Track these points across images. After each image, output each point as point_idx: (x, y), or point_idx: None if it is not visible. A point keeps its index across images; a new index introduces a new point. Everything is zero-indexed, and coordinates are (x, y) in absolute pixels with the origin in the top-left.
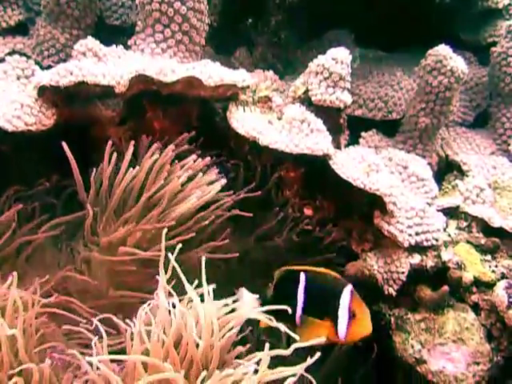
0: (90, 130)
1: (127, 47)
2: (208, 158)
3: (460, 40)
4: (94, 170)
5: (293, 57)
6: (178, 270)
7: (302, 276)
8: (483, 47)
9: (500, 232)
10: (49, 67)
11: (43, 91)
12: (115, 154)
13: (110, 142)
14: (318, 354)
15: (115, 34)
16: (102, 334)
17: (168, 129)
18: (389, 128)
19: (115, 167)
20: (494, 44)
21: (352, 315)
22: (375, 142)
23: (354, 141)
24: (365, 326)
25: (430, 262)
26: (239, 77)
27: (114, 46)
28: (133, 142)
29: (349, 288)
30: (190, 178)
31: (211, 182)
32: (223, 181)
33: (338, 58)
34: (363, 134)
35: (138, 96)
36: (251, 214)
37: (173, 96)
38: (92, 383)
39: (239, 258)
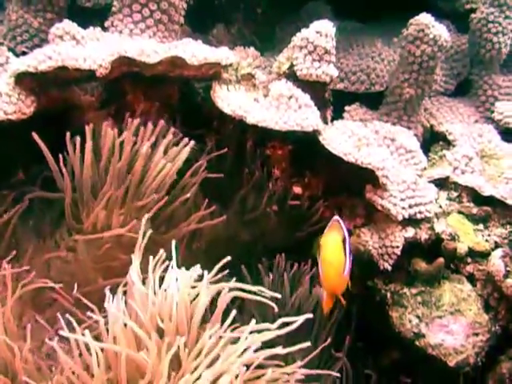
0: (70, 116)
1: (104, 29)
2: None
3: (436, 7)
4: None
5: (271, 32)
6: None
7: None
8: (461, 14)
9: (491, 200)
10: (23, 54)
11: (21, 78)
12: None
13: (89, 126)
14: (307, 315)
15: (88, 16)
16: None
17: (150, 111)
18: (372, 101)
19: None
20: (473, 11)
21: None
22: (360, 116)
23: (337, 115)
24: None
25: (423, 235)
26: (223, 55)
27: (92, 28)
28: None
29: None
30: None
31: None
32: (192, 143)
33: (322, 31)
34: (347, 107)
35: (117, 79)
36: (221, 175)
37: (153, 77)
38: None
39: (227, 238)
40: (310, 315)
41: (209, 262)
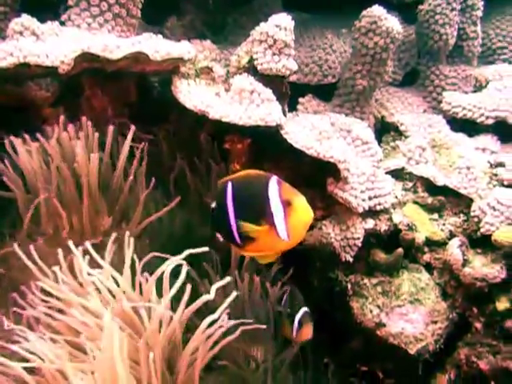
0: (26, 112)
1: (60, 23)
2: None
3: None
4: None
5: (222, 23)
6: None
7: (228, 185)
8: (407, 5)
9: (444, 190)
10: None
11: None
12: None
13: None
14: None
15: (39, 9)
16: None
17: (108, 106)
18: (325, 92)
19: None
20: (419, 2)
21: (287, 204)
22: (313, 107)
23: (291, 107)
24: (304, 212)
25: (383, 226)
26: (185, 49)
27: (50, 22)
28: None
29: (274, 178)
30: None
31: None
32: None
33: (281, 25)
34: (300, 99)
35: (74, 75)
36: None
37: (111, 72)
38: None
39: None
40: None
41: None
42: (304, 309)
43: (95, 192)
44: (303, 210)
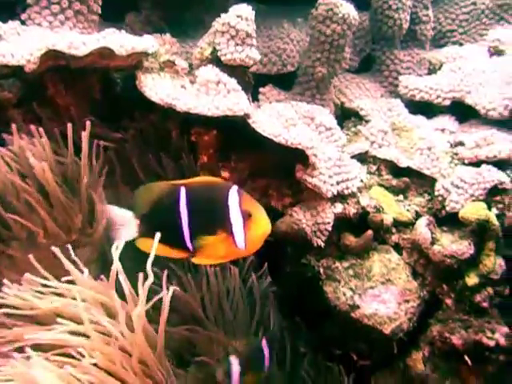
0: None
1: (21, 23)
2: None
3: None
4: None
5: (179, 17)
6: None
7: (182, 191)
8: None
9: (407, 171)
10: None
11: None
12: None
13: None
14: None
15: None
16: None
17: (72, 104)
18: (285, 81)
19: None
20: None
21: (247, 215)
22: (274, 97)
23: (252, 98)
24: (263, 224)
25: (351, 210)
26: (149, 43)
27: (11, 22)
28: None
29: (235, 188)
30: None
31: None
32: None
33: (242, 15)
34: (261, 89)
35: (37, 74)
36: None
37: (73, 70)
38: None
39: None
40: None
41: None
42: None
43: (58, 196)
44: (262, 222)
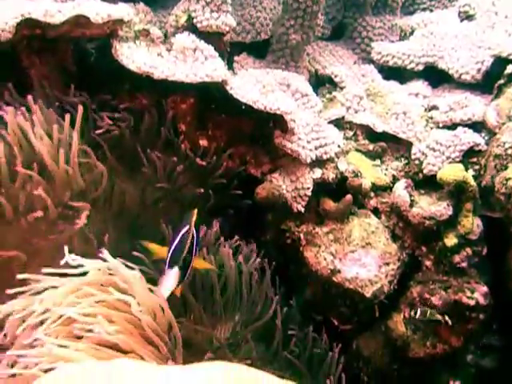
0: None
1: None
2: None
3: None
4: None
5: None
6: None
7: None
8: None
9: (383, 136)
10: None
11: None
12: None
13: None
14: None
15: None
16: None
17: (47, 75)
18: (259, 49)
19: None
20: None
21: None
22: (249, 65)
23: (227, 66)
24: None
25: (330, 175)
26: (124, 11)
27: None
28: None
29: None
30: None
31: None
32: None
33: None
34: (236, 57)
35: (9, 46)
36: None
37: (46, 40)
38: None
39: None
40: None
41: (120, 227)
42: None
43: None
44: None
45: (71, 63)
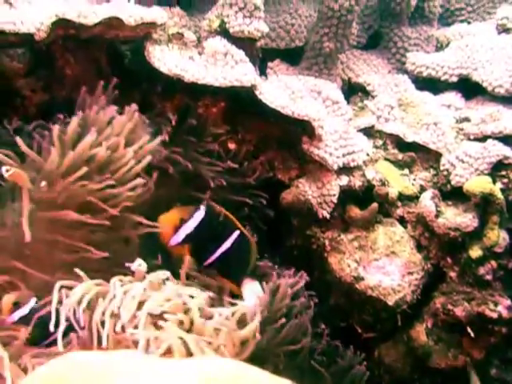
0: None
1: None
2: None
3: None
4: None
5: None
6: None
7: None
8: None
9: (413, 146)
10: None
11: None
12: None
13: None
14: None
15: None
16: None
17: (80, 75)
18: (293, 56)
19: None
20: None
21: None
22: (282, 71)
23: (260, 72)
24: None
25: (357, 182)
26: (158, 14)
27: None
28: None
29: None
30: None
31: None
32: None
33: None
34: (269, 64)
35: (45, 44)
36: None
37: (81, 41)
38: None
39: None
40: None
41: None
42: None
43: None
44: None
45: (105, 64)
